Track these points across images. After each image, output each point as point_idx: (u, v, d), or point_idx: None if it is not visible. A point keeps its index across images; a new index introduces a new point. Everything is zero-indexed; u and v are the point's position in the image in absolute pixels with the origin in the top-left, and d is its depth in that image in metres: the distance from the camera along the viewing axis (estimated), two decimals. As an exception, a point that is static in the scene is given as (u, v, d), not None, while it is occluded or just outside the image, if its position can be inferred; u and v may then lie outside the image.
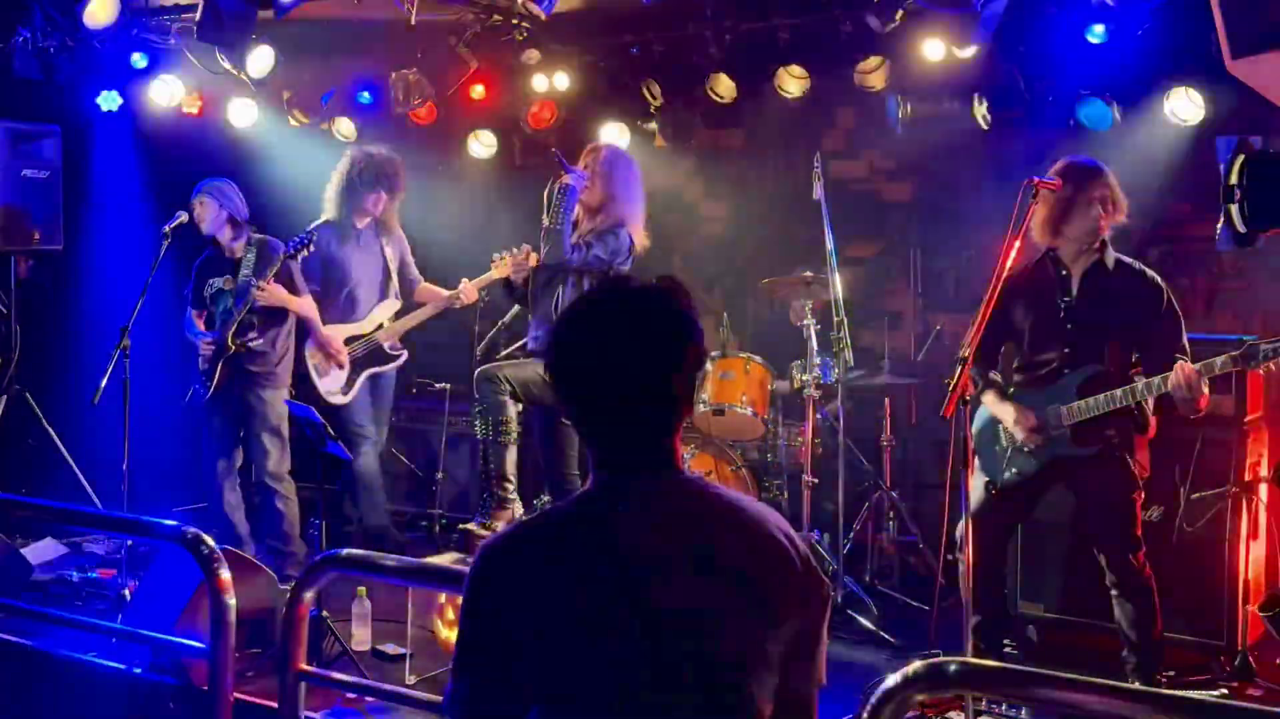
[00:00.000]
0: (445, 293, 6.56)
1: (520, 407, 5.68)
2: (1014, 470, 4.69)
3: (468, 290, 6.42)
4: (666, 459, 1.97)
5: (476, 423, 5.74)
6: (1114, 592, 4.62)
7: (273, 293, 5.93)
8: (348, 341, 6.33)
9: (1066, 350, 4.62)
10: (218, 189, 6.10)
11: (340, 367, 6.28)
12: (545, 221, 5.58)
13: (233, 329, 5.89)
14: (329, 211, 6.39)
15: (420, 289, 6.73)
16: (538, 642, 1.85)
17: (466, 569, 1.96)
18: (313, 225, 6.29)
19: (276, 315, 6.04)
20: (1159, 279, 4.60)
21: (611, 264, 5.61)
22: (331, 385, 6.29)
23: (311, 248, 5.97)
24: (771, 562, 1.93)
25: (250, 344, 5.94)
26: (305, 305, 6.13)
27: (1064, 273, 4.67)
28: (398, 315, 6.57)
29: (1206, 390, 4.31)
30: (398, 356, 6.58)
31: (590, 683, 1.84)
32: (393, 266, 6.54)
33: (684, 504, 1.94)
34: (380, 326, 6.47)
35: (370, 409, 6.47)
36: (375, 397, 6.53)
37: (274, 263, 5.90)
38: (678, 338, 1.97)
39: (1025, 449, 4.65)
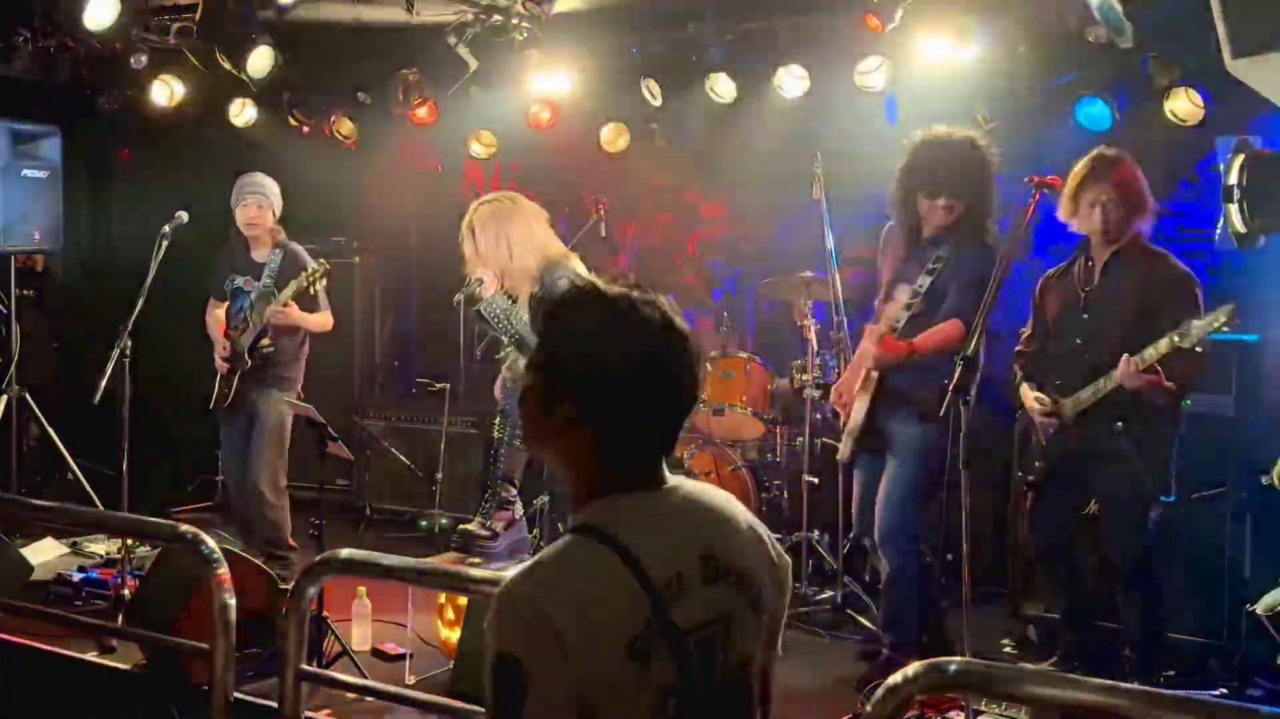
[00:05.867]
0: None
1: None
2: (1039, 464, 4.73)
3: None
4: (667, 472, 1.93)
5: (495, 423, 5.71)
6: (1115, 591, 4.63)
7: (289, 315, 5.79)
8: None
9: (1079, 341, 4.62)
10: (265, 189, 6.00)
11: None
12: (507, 341, 5.27)
13: (249, 343, 5.86)
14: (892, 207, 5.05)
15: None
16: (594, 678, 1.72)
17: (466, 570, 1.93)
18: (888, 226, 5.10)
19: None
20: (1189, 272, 4.53)
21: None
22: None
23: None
24: (760, 556, 1.95)
25: (264, 352, 5.90)
26: (320, 321, 5.97)
27: (1089, 263, 4.67)
28: None
29: (1156, 375, 4.30)
30: None
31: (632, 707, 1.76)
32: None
33: (690, 515, 1.91)
34: None
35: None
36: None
37: (298, 280, 5.68)
38: (701, 349, 1.94)
39: (1044, 442, 4.67)
